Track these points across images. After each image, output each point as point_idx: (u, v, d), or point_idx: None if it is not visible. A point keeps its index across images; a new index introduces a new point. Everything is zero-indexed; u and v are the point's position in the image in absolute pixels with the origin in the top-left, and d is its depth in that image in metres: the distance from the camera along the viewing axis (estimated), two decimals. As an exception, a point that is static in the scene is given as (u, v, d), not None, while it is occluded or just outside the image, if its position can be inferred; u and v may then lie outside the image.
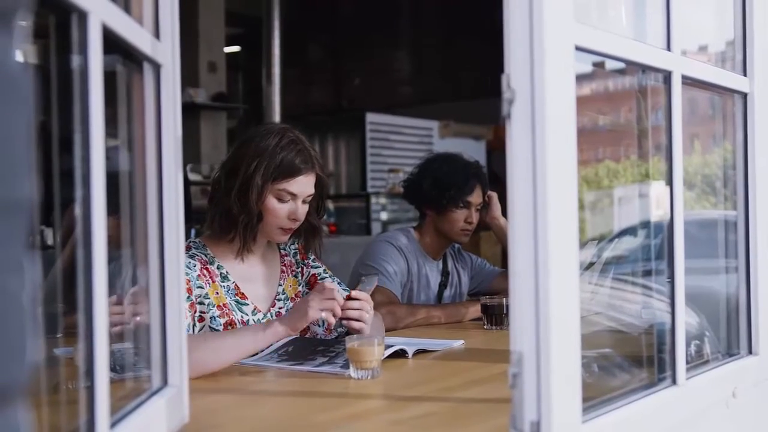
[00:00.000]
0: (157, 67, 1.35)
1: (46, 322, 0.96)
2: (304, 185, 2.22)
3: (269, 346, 2.09)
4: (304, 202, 2.24)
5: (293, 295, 2.36)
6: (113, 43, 1.12)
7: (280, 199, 2.20)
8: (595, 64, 1.45)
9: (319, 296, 2.05)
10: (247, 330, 2.10)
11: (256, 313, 2.24)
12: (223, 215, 2.20)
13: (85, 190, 1.00)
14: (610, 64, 1.55)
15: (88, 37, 1.00)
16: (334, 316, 2.06)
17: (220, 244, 2.26)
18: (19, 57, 0.56)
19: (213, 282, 2.19)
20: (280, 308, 2.31)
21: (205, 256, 2.22)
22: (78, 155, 1.00)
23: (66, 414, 1.15)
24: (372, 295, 2.79)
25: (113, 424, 1.08)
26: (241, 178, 2.16)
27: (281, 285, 2.35)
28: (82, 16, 1.00)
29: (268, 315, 2.27)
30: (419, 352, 2.15)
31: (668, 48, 1.51)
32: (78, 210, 1.01)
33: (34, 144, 0.58)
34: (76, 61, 1.01)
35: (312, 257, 2.45)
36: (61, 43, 1.04)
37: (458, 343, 2.33)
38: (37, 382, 0.86)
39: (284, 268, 2.38)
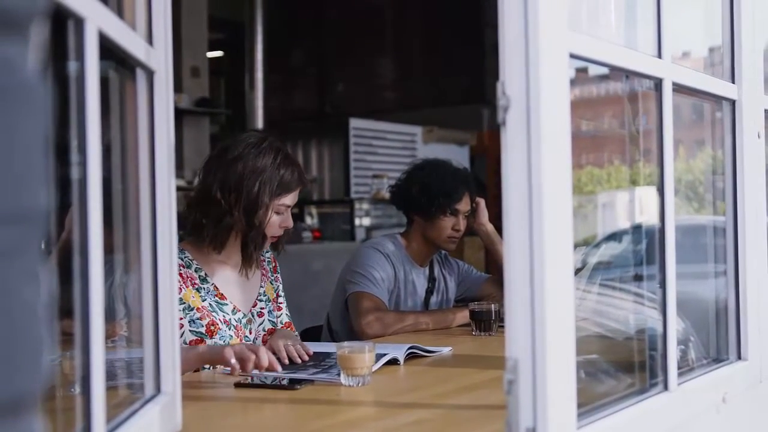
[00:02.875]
0: (150, 74, 1.34)
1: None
2: (296, 196, 2.34)
3: None
4: (291, 210, 2.36)
5: (272, 298, 2.45)
6: (107, 49, 1.11)
7: (278, 213, 2.29)
8: (579, 70, 1.46)
9: (247, 352, 1.91)
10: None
11: (236, 312, 2.31)
12: (225, 231, 2.26)
13: (82, 197, 0.99)
14: (593, 70, 1.56)
15: (84, 43, 0.99)
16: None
17: (202, 249, 2.31)
18: (34, 65, 0.56)
19: (187, 286, 2.23)
20: (262, 308, 2.40)
21: (182, 259, 2.26)
22: (74, 161, 0.99)
23: (59, 421, 1.14)
24: (360, 302, 2.81)
25: (108, 433, 1.07)
26: (245, 197, 2.23)
27: (262, 287, 2.43)
28: (79, 22, 0.99)
29: (249, 315, 2.35)
30: (411, 357, 2.16)
31: (659, 55, 1.52)
32: (74, 216, 1.00)
33: (49, 152, 0.57)
34: (72, 67, 1.00)
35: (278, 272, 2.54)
36: (56, 49, 1.03)
37: (447, 350, 2.33)
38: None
39: (264, 271, 2.46)
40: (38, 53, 0.58)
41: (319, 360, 2.13)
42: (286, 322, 2.46)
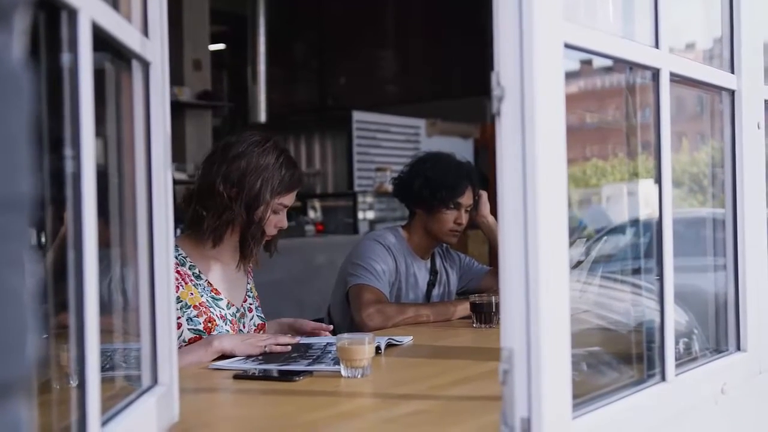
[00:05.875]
0: (146, 65, 1.34)
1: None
2: (294, 198, 2.38)
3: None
4: (288, 210, 2.39)
5: (256, 295, 2.50)
6: (102, 40, 1.11)
7: (275, 212, 2.32)
8: (582, 62, 1.45)
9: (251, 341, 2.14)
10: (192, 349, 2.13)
11: (230, 307, 2.34)
12: (225, 225, 2.28)
13: (76, 190, 0.99)
14: (597, 63, 1.56)
15: (77, 34, 0.99)
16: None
17: (196, 245, 2.33)
18: (18, 54, 0.56)
19: (186, 283, 2.26)
20: (251, 304, 2.44)
21: (176, 257, 2.27)
22: (68, 154, 0.99)
23: (55, 413, 1.14)
24: (361, 294, 2.81)
25: (104, 423, 1.08)
26: (246, 192, 2.26)
27: (249, 283, 2.47)
28: (72, 13, 0.99)
29: (241, 309, 2.39)
30: (389, 346, 2.20)
31: (656, 45, 1.51)
32: (68, 210, 1.00)
33: (33, 141, 0.58)
34: (65, 59, 1.00)
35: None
36: (49, 41, 1.03)
37: (408, 339, 2.36)
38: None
39: (250, 269, 2.49)
40: (22, 42, 0.58)
41: (304, 351, 2.13)
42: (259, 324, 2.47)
